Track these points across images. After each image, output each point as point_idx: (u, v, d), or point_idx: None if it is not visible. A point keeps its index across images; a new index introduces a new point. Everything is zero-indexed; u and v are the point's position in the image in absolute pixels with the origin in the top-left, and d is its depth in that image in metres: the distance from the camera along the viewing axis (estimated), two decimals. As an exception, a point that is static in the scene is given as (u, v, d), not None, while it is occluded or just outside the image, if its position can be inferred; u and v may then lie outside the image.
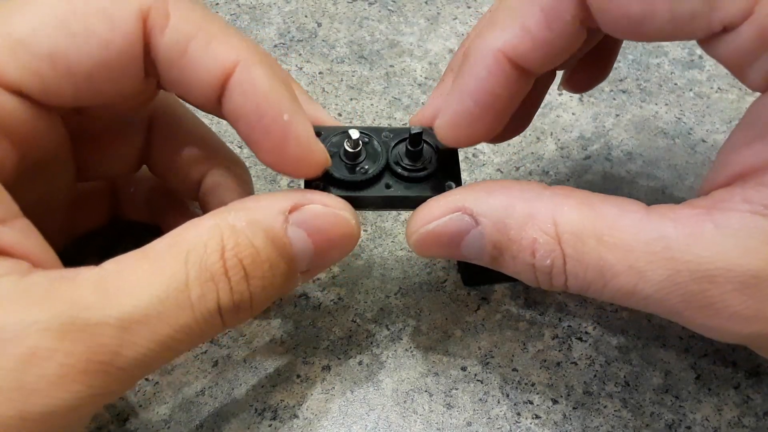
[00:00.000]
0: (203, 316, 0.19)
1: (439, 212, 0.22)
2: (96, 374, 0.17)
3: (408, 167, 0.24)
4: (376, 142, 0.24)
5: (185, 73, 0.21)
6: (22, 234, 0.20)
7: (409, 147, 0.24)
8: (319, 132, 0.24)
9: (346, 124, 0.25)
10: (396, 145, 0.24)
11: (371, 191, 0.24)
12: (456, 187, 0.24)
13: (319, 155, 0.22)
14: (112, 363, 0.18)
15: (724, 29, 0.19)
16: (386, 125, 0.36)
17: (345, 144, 0.23)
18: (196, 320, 0.19)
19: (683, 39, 0.19)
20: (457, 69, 0.23)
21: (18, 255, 0.19)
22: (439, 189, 0.24)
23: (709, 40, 0.19)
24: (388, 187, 0.24)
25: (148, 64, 0.22)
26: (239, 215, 0.20)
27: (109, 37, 0.20)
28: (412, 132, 0.23)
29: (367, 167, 0.24)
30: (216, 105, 0.22)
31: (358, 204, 0.23)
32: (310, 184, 0.23)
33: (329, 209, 0.22)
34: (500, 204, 0.21)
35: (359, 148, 0.23)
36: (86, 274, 0.18)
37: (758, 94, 0.20)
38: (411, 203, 0.24)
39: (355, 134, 0.23)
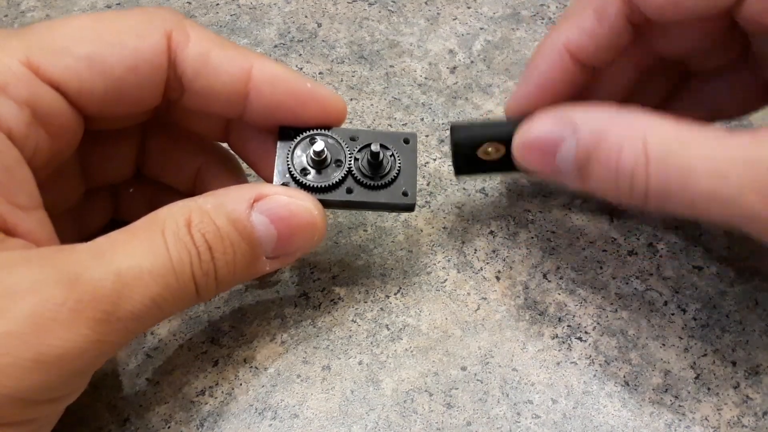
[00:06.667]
0: (183, 279, 0.22)
1: (545, 120, 0.25)
2: (100, 322, 0.20)
3: (368, 175, 0.26)
4: (342, 149, 0.26)
5: (210, 80, 0.24)
6: (39, 224, 0.22)
7: (370, 159, 0.26)
8: (290, 133, 0.26)
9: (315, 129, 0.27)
10: (360, 149, 0.26)
11: (333, 195, 0.26)
12: (410, 194, 0.26)
13: (341, 102, 0.26)
14: (113, 313, 0.20)
15: None
16: (383, 127, 0.36)
17: (311, 151, 0.25)
18: (178, 282, 0.21)
19: (718, 8, 0.23)
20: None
21: (30, 242, 0.22)
22: (396, 196, 0.26)
23: (738, 7, 0.23)
24: (349, 191, 0.26)
25: (171, 81, 0.24)
26: (208, 199, 0.23)
27: (139, 46, 0.23)
28: (372, 150, 0.26)
29: (331, 173, 0.26)
30: (239, 105, 0.25)
31: (322, 205, 0.25)
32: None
33: (292, 200, 0.24)
34: (601, 115, 0.24)
35: (324, 156, 0.26)
36: (83, 245, 0.21)
37: None
38: (370, 207, 0.27)
39: (319, 146, 0.25)
